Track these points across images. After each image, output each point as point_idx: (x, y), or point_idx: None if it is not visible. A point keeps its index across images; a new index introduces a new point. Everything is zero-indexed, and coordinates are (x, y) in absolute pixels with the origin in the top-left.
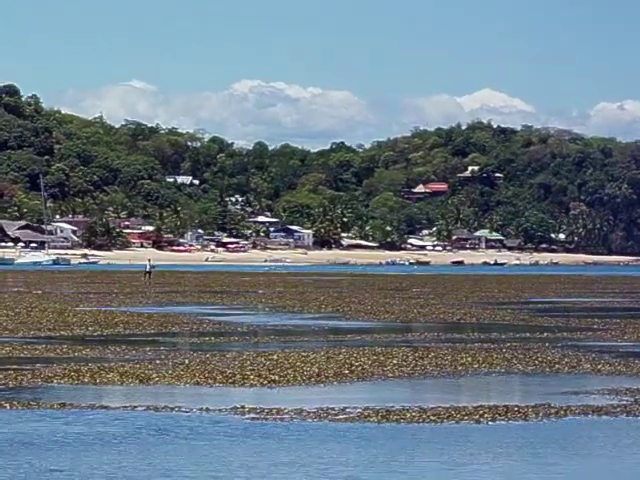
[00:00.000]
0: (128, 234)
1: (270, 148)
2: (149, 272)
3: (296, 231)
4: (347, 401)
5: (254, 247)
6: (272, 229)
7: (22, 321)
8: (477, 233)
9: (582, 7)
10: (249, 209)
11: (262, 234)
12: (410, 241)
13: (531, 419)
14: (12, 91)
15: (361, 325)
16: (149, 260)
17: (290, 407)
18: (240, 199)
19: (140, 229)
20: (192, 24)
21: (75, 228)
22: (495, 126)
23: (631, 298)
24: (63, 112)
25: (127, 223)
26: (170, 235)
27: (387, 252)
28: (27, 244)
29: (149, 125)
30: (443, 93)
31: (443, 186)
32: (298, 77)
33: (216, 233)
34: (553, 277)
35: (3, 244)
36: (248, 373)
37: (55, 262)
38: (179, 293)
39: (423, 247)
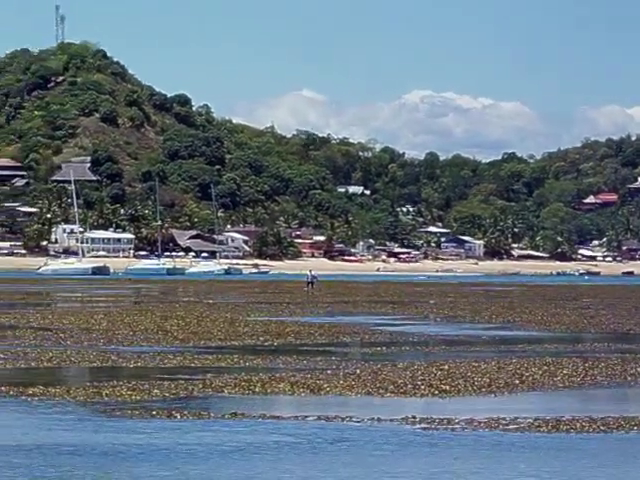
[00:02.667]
0: (299, 244)
1: (441, 158)
2: (311, 282)
3: (467, 241)
4: (518, 411)
5: (425, 257)
6: (443, 239)
7: (193, 331)
8: None
9: None
10: (420, 219)
11: (433, 244)
12: (580, 252)
13: None
14: (183, 101)
15: (531, 335)
16: (310, 270)
17: (461, 417)
18: (411, 209)
19: (311, 239)
20: (364, 35)
21: (246, 238)
22: None
23: None
24: (234, 122)
25: (298, 233)
26: (341, 245)
27: (557, 263)
28: (198, 254)
29: (320, 135)
30: (613, 104)
31: (613, 197)
32: (469, 87)
33: (387, 243)
34: None
35: (174, 254)
36: (419, 383)
37: (226, 272)
38: (350, 303)
39: (593, 258)
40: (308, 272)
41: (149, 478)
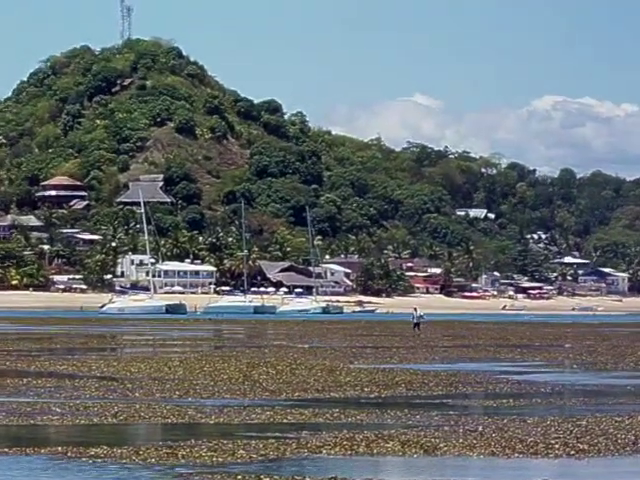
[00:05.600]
0: (411, 277)
1: (578, 176)
2: (417, 323)
3: (609, 274)
4: None
5: (560, 293)
6: (581, 272)
7: (285, 380)
8: None
9: None
10: (554, 248)
11: (569, 278)
12: None
13: None
14: (273, 108)
15: None
16: (415, 309)
17: None
18: (543, 236)
19: (425, 271)
20: (485, 31)
21: (348, 270)
22: None
23: None
24: (333, 133)
25: (410, 264)
26: (461, 279)
27: None
28: (291, 289)
29: (435, 148)
30: None
31: None
32: (610, 92)
33: (515, 276)
34: None
35: (263, 289)
36: (552, 442)
37: (325, 310)
38: (471, 347)
39: None
40: (413, 311)
41: None
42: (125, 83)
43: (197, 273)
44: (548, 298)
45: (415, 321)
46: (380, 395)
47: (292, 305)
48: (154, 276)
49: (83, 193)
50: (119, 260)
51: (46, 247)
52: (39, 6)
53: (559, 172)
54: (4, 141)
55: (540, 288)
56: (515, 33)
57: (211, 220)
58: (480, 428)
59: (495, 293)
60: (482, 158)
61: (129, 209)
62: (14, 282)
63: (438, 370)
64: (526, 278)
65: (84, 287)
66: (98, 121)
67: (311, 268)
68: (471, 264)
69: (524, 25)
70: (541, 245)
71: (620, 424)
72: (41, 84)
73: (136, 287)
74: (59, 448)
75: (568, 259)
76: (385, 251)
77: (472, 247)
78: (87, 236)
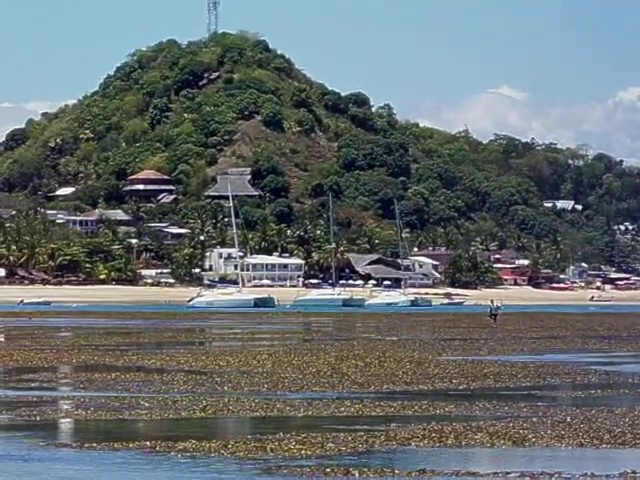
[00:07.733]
0: (499, 269)
1: None
2: (494, 315)
3: None
4: None
5: None
6: None
7: (374, 373)
8: None
9: None
10: None
11: None
12: None
13: None
14: (361, 100)
15: None
16: (492, 301)
17: None
18: (630, 227)
19: (513, 263)
20: (571, 24)
21: (436, 262)
22: None
23: None
24: (421, 125)
25: (498, 256)
26: (548, 270)
27: None
28: (379, 282)
29: (523, 140)
30: None
31: None
32: None
33: (602, 267)
34: None
35: (351, 282)
36: None
37: (413, 303)
38: (559, 338)
39: None
40: (490, 303)
41: None
42: (212, 77)
43: (285, 266)
44: (636, 289)
45: (493, 312)
46: (468, 387)
47: (381, 298)
48: (242, 269)
49: (171, 187)
50: (207, 254)
51: (134, 241)
52: (126, 0)
53: None
54: (91, 135)
55: (627, 279)
56: (600, 25)
57: (299, 213)
58: (568, 419)
59: (583, 284)
60: (569, 150)
61: (217, 202)
62: (102, 276)
63: (526, 361)
64: (613, 269)
65: (172, 281)
66: (185, 115)
67: (399, 260)
68: (559, 255)
69: (608, 17)
70: (628, 236)
71: None
72: (128, 78)
73: (224, 281)
74: (147, 442)
75: None
76: (473, 243)
77: (559, 238)
78: (175, 230)
